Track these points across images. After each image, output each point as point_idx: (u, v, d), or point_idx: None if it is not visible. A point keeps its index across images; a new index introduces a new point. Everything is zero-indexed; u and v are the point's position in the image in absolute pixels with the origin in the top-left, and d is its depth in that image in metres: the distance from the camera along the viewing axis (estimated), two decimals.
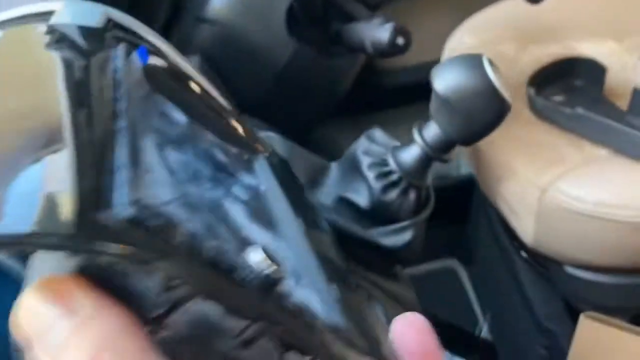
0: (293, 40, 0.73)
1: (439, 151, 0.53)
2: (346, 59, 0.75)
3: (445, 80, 0.49)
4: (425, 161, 0.54)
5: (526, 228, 0.86)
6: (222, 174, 0.37)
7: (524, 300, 1.10)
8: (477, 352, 1.13)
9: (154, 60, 0.42)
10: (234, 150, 0.42)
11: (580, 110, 0.81)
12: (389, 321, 0.54)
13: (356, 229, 0.55)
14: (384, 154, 0.56)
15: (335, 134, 1.44)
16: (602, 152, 0.81)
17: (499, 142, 0.88)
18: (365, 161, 0.56)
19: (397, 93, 1.42)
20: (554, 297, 1.01)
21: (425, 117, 1.31)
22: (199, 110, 0.41)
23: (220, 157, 0.38)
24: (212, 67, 0.73)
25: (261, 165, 0.43)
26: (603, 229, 0.77)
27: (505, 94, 0.49)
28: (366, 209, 0.56)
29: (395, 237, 0.55)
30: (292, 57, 0.73)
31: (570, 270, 0.86)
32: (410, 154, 0.54)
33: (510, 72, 0.96)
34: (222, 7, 0.72)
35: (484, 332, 1.27)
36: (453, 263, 1.39)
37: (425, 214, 0.56)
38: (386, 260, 0.57)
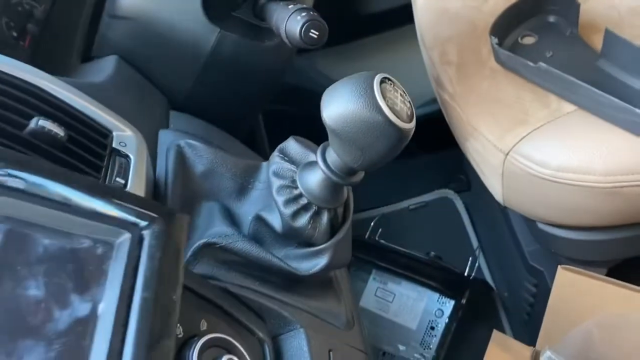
0: (214, 26, 0.67)
1: (344, 176, 0.49)
2: (277, 39, 0.69)
3: (330, 109, 0.44)
4: (331, 186, 0.50)
5: (493, 187, 0.82)
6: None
7: (513, 237, 1.08)
8: (469, 291, 1.13)
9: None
10: (85, 245, 0.38)
11: (543, 65, 0.74)
12: (310, 346, 0.53)
13: (269, 257, 0.53)
14: (294, 174, 0.53)
15: (320, 66, 1.38)
16: (569, 108, 0.74)
17: (462, 96, 0.82)
18: (275, 184, 0.53)
19: (376, 20, 1.33)
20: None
21: (405, 42, 1.21)
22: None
23: (35, 293, 0.33)
24: (134, 65, 0.69)
25: (120, 251, 0.39)
26: (567, 194, 0.72)
27: (400, 121, 0.44)
28: (280, 233, 0.53)
29: (310, 261, 0.53)
30: (216, 44, 0.68)
31: (542, 226, 0.82)
32: (316, 179, 0.50)
33: (479, 13, 0.87)
34: (133, 1, 0.66)
35: (480, 261, 1.26)
36: (449, 193, 1.37)
37: (342, 234, 0.53)
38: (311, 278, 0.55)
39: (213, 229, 0.54)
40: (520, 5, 0.84)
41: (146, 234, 0.38)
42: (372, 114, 0.43)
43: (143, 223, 0.38)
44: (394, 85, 0.45)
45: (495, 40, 0.79)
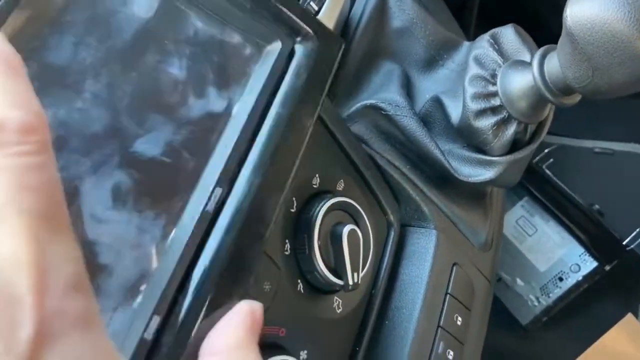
0: None
1: (556, 93, 0.41)
2: None
3: (579, 6, 0.35)
4: (535, 97, 0.42)
5: None
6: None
7: None
8: (618, 261, 1.01)
9: None
10: (234, 41, 0.35)
11: None
12: (435, 252, 0.49)
13: (431, 146, 0.47)
14: (497, 69, 0.45)
15: None
16: None
17: None
18: (471, 70, 0.46)
19: None
20: None
21: None
22: None
23: (176, 72, 0.32)
24: None
25: (268, 58, 0.35)
26: None
27: None
28: (454, 125, 0.47)
29: (474, 168, 0.47)
30: None
31: None
32: (521, 83, 0.42)
33: None
34: None
35: None
36: None
37: (523, 154, 0.46)
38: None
39: (386, 93, 0.49)
40: None
41: (298, 48, 0.35)
42: (630, 31, 0.34)
43: (298, 37, 0.35)
44: None
45: None
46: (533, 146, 0.46)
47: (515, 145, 0.47)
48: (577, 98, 0.42)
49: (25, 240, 0.19)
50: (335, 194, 0.43)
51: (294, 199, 0.40)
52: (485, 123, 0.45)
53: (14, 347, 0.18)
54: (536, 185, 1.08)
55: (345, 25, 0.53)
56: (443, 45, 0.54)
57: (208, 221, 0.29)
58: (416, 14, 0.54)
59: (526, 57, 0.46)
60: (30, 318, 0.19)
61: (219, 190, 0.30)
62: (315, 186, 0.42)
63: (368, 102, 0.48)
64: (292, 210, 0.40)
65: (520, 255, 1.06)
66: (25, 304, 0.19)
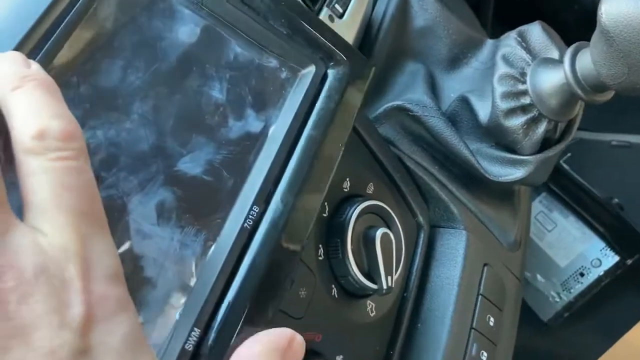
0: None
1: (588, 90, 0.40)
2: None
3: (614, 4, 0.35)
4: (567, 95, 0.42)
5: None
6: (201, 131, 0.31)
7: None
8: (639, 254, 1.00)
9: None
10: (272, 65, 0.36)
11: None
12: (466, 253, 0.49)
13: (460, 146, 0.47)
14: (526, 67, 0.45)
15: None
16: None
17: None
18: (500, 69, 0.45)
19: None
20: None
21: None
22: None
23: (217, 95, 0.33)
24: None
25: (302, 82, 0.36)
26: None
27: None
28: (482, 125, 0.46)
29: (504, 168, 0.46)
30: None
31: None
32: (552, 81, 0.42)
33: None
34: None
35: None
36: None
37: (553, 152, 0.46)
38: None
39: (412, 94, 0.49)
40: None
41: (331, 72, 0.37)
42: None
43: (330, 61, 0.37)
44: None
45: None
46: (563, 144, 0.46)
47: (544, 144, 0.46)
48: (609, 95, 0.41)
49: (70, 234, 0.22)
50: (365, 197, 0.42)
51: (325, 203, 0.40)
52: (516, 122, 0.44)
53: (67, 322, 0.21)
54: (554, 180, 1.07)
55: (367, 26, 0.53)
56: (466, 43, 0.53)
57: (246, 238, 0.30)
58: (438, 12, 0.53)
59: (554, 54, 0.45)
60: (80, 300, 0.22)
61: (256, 208, 0.30)
62: (345, 190, 0.42)
63: (394, 103, 0.48)
64: (325, 215, 0.40)
65: (540, 251, 1.06)
66: (75, 288, 0.22)
